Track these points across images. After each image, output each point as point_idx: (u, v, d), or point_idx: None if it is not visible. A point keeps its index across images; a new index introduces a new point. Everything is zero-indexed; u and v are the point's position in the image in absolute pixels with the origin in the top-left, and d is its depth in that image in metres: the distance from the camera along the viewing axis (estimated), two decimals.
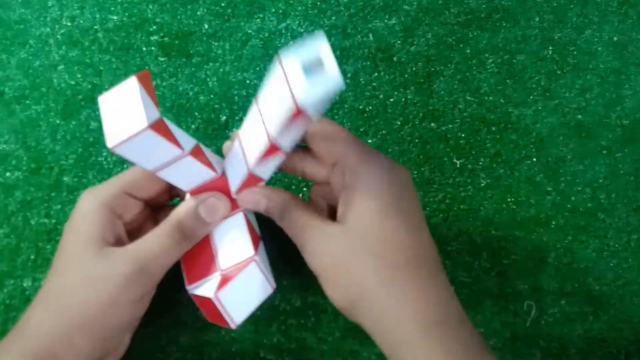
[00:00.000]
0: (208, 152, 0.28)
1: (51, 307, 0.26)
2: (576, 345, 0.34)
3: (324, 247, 0.26)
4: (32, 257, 0.36)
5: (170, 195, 0.32)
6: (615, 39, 0.41)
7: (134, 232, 0.30)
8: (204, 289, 0.27)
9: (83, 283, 0.26)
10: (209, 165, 0.28)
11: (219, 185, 0.29)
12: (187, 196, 0.29)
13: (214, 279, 0.28)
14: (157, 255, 0.27)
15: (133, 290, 0.26)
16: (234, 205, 0.29)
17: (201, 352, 0.34)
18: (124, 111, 0.23)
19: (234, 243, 0.29)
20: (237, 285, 0.27)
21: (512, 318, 0.35)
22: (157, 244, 0.27)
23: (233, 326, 0.28)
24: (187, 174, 0.27)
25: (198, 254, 0.29)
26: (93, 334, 0.26)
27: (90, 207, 0.28)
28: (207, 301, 0.27)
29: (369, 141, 0.38)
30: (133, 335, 0.30)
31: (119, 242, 0.28)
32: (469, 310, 0.34)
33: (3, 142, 0.38)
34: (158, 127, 0.23)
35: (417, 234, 0.26)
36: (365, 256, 0.25)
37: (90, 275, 0.26)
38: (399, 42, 0.41)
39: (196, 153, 0.26)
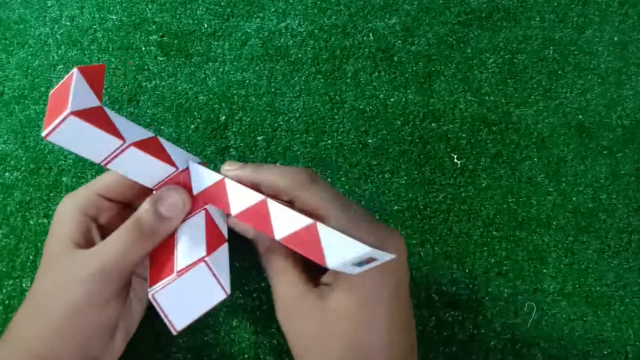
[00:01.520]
0: (170, 147, 0.27)
1: (32, 311, 0.26)
2: (577, 346, 0.34)
3: (300, 316, 0.26)
4: (31, 257, 0.35)
5: None
6: (616, 38, 0.41)
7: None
8: (156, 292, 0.25)
9: (54, 286, 0.26)
10: (165, 159, 0.27)
11: (182, 181, 0.28)
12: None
13: (171, 281, 0.26)
14: (116, 256, 0.26)
15: (98, 293, 0.26)
16: (198, 204, 0.28)
17: (200, 353, 0.34)
18: (60, 101, 0.23)
19: (190, 243, 0.27)
20: (180, 286, 0.25)
21: (513, 319, 0.35)
22: (116, 245, 0.26)
23: (174, 332, 0.26)
24: (142, 168, 0.26)
25: (161, 255, 0.27)
26: (70, 338, 0.26)
27: (64, 210, 0.28)
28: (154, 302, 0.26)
29: (370, 141, 0.38)
30: (132, 338, 0.30)
31: (90, 245, 0.27)
32: (470, 311, 0.34)
33: (2, 142, 0.38)
34: (89, 115, 0.23)
35: (401, 336, 0.25)
36: (339, 348, 0.24)
37: (59, 278, 0.26)
38: (399, 41, 0.41)
39: (146, 145, 0.25)
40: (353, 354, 0.24)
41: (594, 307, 0.35)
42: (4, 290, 0.35)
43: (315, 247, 0.23)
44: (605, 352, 0.34)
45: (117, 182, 0.29)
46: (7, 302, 0.35)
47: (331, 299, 0.25)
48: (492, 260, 0.36)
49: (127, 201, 0.30)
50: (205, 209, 0.28)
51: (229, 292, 0.27)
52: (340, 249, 0.22)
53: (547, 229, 0.36)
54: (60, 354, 0.26)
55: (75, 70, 0.23)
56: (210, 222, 0.28)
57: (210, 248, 0.26)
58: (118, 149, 0.24)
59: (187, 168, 0.28)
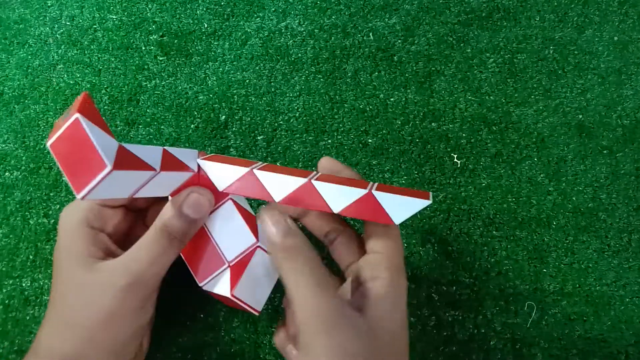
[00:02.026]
0: (179, 153, 0.27)
1: (58, 327, 0.27)
2: (577, 346, 0.34)
3: (343, 332, 0.23)
4: (31, 257, 0.35)
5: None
6: (616, 38, 0.41)
7: (123, 240, 0.30)
8: (219, 287, 0.28)
9: (82, 300, 0.26)
10: (184, 167, 0.27)
11: (199, 181, 0.28)
12: (170, 198, 0.28)
13: (225, 272, 0.28)
14: (149, 264, 0.26)
15: (131, 301, 0.26)
16: (220, 196, 0.29)
17: (201, 353, 0.34)
18: (81, 155, 0.21)
19: (232, 233, 0.28)
20: (248, 276, 0.28)
21: (513, 319, 0.35)
22: (147, 252, 0.26)
23: (257, 313, 0.29)
24: (165, 185, 0.26)
25: (200, 250, 0.29)
26: (102, 348, 0.26)
27: (70, 226, 0.28)
28: (225, 298, 0.28)
29: (370, 141, 0.38)
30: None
31: (108, 254, 0.28)
32: (470, 310, 0.34)
33: (2, 142, 0.38)
34: (121, 160, 0.22)
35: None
36: None
37: (87, 292, 0.26)
38: (399, 41, 0.41)
39: (167, 164, 0.25)
40: None
41: (594, 306, 0.35)
42: (4, 290, 0.35)
43: (378, 211, 0.26)
44: (605, 352, 0.34)
45: None
46: (7, 302, 0.35)
47: (378, 319, 0.24)
48: (492, 260, 0.36)
49: (129, 204, 0.30)
50: (230, 198, 0.29)
51: None
52: (401, 208, 0.26)
53: (547, 228, 0.36)
54: None
55: (77, 116, 0.21)
56: (240, 209, 0.29)
57: (255, 232, 0.28)
58: (150, 178, 0.24)
59: (199, 169, 0.28)
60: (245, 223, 0.28)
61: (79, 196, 0.21)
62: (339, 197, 0.26)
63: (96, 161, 0.21)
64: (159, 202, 0.31)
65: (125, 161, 0.22)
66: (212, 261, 0.28)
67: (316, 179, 0.26)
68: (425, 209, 0.28)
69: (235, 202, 0.29)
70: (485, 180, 0.37)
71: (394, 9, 0.41)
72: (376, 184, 0.27)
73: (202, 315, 0.34)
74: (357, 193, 0.26)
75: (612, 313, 0.35)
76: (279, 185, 0.27)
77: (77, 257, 0.27)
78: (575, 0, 0.42)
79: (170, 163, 0.26)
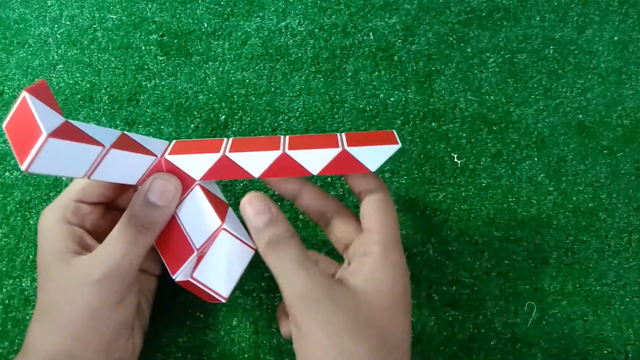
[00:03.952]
0: (140, 138, 0.27)
1: (44, 325, 0.26)
2: (577, 345, 0.34)
3: (328, 305, 0.25)
4: (31, 257, 0.35)
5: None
6: (616, 38, 0.41)
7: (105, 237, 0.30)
8: (184, 273, 0.27)
9: (62, 297, 0.26)
10: (143, 151, 0.27)
11: (165, 167, 0.28)
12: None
13: (193, 260, 0.27)
14: (121, 256, 0.26)
15: (108, 295, 0.26)
16: (188, 182, 0.29)
17: (201, 353, 0.34)
18: (25, 129, 0.22)
19: (199, 219, 0.28)
20: (212, 258, 0.27)
21: (513, 319, 0.35)
22: (118, 244, 0.26)
23: (223, 300, 0.27)
24: (124, 168, 0.26)
25: (172, 241, 0.28)
26: (89, 346, 0.26)
27: (48, 224, 0.28)
28: (190, 284, 0.27)
29: None
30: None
31: (86, 249, 0.28)
32: (471, 310, 0.34)
33: (2, 142, 0.38)
34: (63, 132, 0.22)
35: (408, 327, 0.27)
36: (375, 340, 0.25)
37: (65, 288, 0.26)
38: (399, 41, 0.40)
39: (122, 144, 0.25)
40: (388, 346, 0.25)
41: (594, 306, 0.35)
42: (4, 290, 0.35)
43: (354, 164, 0.27)
44: (605, 352, 0.34)
45: (91, 184, 0.29)
46: (7, 301, 0.35)
47: (361, 291, 0.25)
48: (493, 260, 0.36)
49: (108, 200, 0.30)
50: (198, 184, 0.28)
51: (255, 246, 0.28)
52: (375, 157, 0.27)
53: (547, 228, 0.36)
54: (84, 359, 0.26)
55: (24, 93, 0.23)
56: (208, 194, 0.28)
57: (221, 215, 0.28)
58: (99, 156, 0.24)
59: (164, 153, 0.28)
60: (211, 207, 0.28)
61: (22, 167, 0.22)
62: (315, 161, 0.27)
63: (35, 131, 0.22)
64: None
65: (66, 132, 0.23)
66: (183, 251, 0.28)
67: (289, 148, 0.27)
68: (396, 152, 0.29)
69: (202, 187, 0.28)
70: (485, 180, 0.37)
71: (394, 9, 0.41)
72: (344, 135, 0.28)
73: (202, 315, 0.34)
74: (332, 153, 0.27)
75: (612, 313, 0.35)
76: (255, 162, 0.27)
77: (55, 253, 0.27)
78: (575, 0, 0.42)
79: (127, 144, 0.26)
